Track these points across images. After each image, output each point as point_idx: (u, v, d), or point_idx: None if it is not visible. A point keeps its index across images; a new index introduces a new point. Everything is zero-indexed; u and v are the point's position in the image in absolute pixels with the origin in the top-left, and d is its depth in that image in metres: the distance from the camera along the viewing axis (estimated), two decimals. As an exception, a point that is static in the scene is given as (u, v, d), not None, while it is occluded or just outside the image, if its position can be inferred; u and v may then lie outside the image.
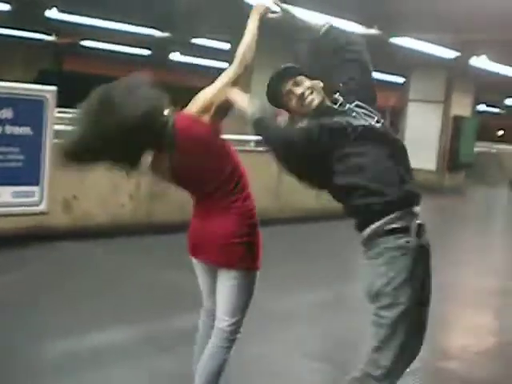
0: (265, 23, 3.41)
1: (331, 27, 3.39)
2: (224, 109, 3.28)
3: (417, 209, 3.09)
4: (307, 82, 3.27)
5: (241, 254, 3.33)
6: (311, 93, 3.24)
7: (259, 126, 3.18)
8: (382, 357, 3.02)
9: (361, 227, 3.08)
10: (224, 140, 3.37)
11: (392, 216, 2.99)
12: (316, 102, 3.23)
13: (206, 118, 3.26)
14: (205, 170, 3.30)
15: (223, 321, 3.41)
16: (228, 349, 3.41)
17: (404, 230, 3.01)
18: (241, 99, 3.23)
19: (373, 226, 3.02)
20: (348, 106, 3.20)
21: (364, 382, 3.07)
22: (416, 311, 3.04)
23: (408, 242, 3.01)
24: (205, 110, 3.26)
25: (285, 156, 3.20)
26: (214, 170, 3.31)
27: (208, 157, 3.28)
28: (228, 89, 3.26)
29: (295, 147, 3.13)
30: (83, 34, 19.41)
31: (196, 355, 3.61)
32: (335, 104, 3.22)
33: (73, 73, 22.75)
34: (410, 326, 3.01)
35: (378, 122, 3.16)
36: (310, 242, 9.09)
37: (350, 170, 3.06)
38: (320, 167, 3.12)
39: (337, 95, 3.24)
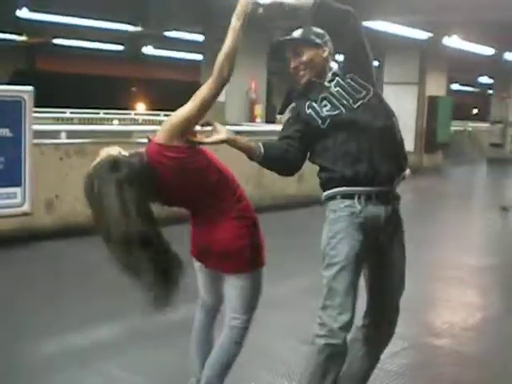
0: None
1: (322, 3, 3.35)
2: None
3: (376, 189, 3.25)
4: (304, 57, 3.40)
5: (247, 256, 3.31)
6: (304, 69, 3.42)
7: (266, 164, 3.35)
8: (324, 316, 3.19)
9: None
10: (201, 151, 3.24)
11: (340, 188, 3.24)
12: (305, 79, 3.43)
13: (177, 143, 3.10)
14: (189, 188, 3.21)
15: (235, 319, 3.41)
16: (239, 344, 3.45)
17: (349, 197, 3.24)
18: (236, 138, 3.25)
19: (324, 193, 3.33)
20: (337, 79, 3.36)
21: (314, 343, 3.22)
22: (355, 272, 3.19)
23: (350, 205, 3.22)
24: (173, 136, 3.08)
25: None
26: (198, 185, 3.22)
27: (188, 176, 3.17)
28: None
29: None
30: (55, 33, 19.30)
31: (194, 350, 3.63)
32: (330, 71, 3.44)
33: (46, 72, 22.66)
34: (348, 286, 3.16)
35: (365, 97, 3.32)
36: (293, 229, 9.15)
37: (319, 151, 3.34)
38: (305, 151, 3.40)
39: (334, 65, 3.46)
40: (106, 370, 4.36)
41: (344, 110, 3.27)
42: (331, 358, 3.19)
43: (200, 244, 3.39)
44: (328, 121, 3.28)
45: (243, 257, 3.30)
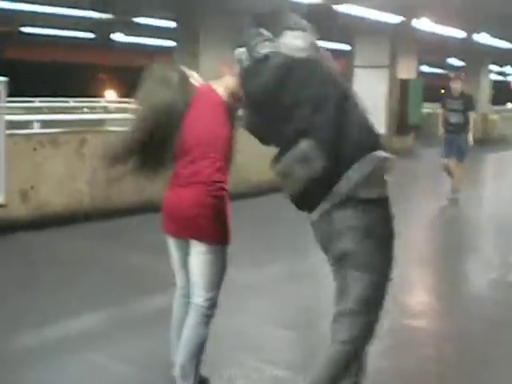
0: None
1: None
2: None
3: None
4: None
5: (208, 226, 3.40)
6: None
7: None
8: (356, 322, 3.10)
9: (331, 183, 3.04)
10: (230, 118, 3.49)
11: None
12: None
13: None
14: (199, 126, 3.44)
15: (199, 296, 3.48)
16: (206, 324, 3.49)
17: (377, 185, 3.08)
18: None
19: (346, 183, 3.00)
20: None
21: (339, 350, 3.12)
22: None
23: (382, 197, 3.11)
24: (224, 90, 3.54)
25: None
26: (203, 130, 3.44)
27: (205, 117, 3.46)
28: None
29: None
30: (23, 21, 19.06)
31: (174, 339, 3.66)
32: None
33: (14, 61, 22.39)
34: (384, 285, 3.13)
35: None
36: (268, 216, 9.18)
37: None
38: None
39: None
40: (93, 358, 4.35)
41: None
42: (358, 356, 3.20)
43: (167, 205, 3.51)
44: None
45: (203, 225, 3.39)
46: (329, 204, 3.01)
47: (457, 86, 10.77)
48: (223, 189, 3.45)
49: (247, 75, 3.24)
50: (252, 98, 3.24)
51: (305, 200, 3.08)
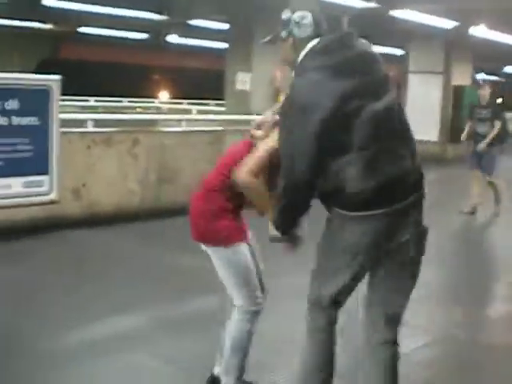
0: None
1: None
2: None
3: None
4: None
5: (206, 229, 3.48)
6: None
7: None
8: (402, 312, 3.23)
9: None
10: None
11: None
12: None
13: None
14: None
15: (235, 298, 3.55)
16: (247, 321, 3.53)
17: None
18: None
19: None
20: None
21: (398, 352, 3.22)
22: None
23: None
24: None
25: None
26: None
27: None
28: None
29: None
30: (80, 21, 19.34)
31: (223, 334, 3.72)
32: None
33: (71, 60, 22.76)
34: None
35: None
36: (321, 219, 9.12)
37: None
38: None
39: None
40: (136, 358, 4.38)
41: None
42: None
43: (190, 212, 3.60)
44: None
45: (206, 229, 3.49)
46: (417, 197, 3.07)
47: (485, 93, 10.13)
48: (218, 191, 3.46)
49: (324, 47, 3.07)
50: (335, 62, 3.00)
51: (387, 191, 3.02)
